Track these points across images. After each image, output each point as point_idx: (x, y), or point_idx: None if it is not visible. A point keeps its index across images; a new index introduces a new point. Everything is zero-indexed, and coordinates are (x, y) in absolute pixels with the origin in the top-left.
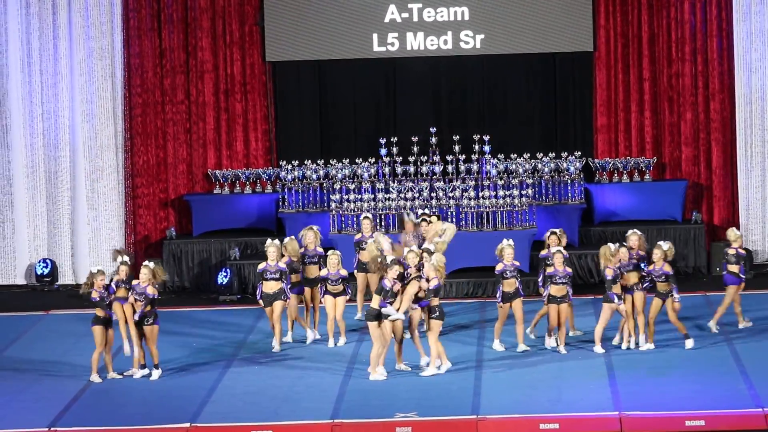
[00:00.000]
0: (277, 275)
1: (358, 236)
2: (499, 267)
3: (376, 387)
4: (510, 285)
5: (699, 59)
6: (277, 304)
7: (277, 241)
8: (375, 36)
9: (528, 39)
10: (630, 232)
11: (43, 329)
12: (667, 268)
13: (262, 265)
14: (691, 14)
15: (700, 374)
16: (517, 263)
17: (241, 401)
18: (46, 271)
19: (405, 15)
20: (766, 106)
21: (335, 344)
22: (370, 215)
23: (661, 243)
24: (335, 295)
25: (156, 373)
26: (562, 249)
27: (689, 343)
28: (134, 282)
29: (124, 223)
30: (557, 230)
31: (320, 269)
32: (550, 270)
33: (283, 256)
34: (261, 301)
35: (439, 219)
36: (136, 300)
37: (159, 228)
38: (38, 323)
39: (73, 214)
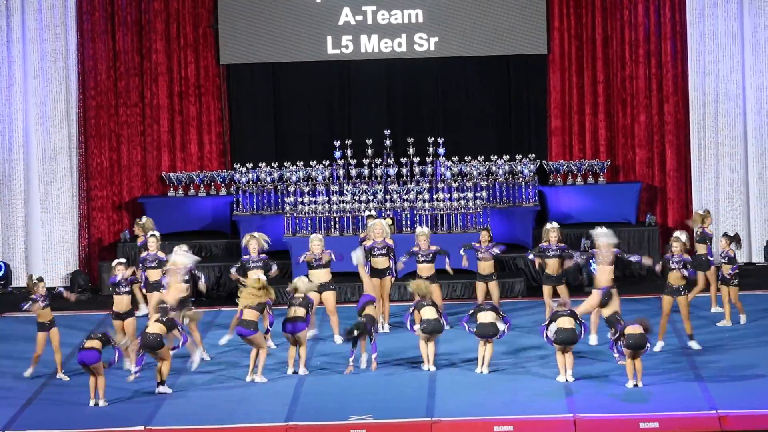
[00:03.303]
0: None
1: (143, 254)
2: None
3: (331, 390)
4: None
5: (653, 62)
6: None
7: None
8: (329, 38)
9: (482, 41)
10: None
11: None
12: (686, 255)
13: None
14: (644, 17)
15: (654, 377)
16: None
17: (195, 404)
18: (0, 273)
19: (359, 17)
20: (720, 108)
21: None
22: (157, 233)
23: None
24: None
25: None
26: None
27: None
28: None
29: (78, 225)
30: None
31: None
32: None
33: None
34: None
35: (393, 222)
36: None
37: (113, 230)
38: None
39: (27, 217)
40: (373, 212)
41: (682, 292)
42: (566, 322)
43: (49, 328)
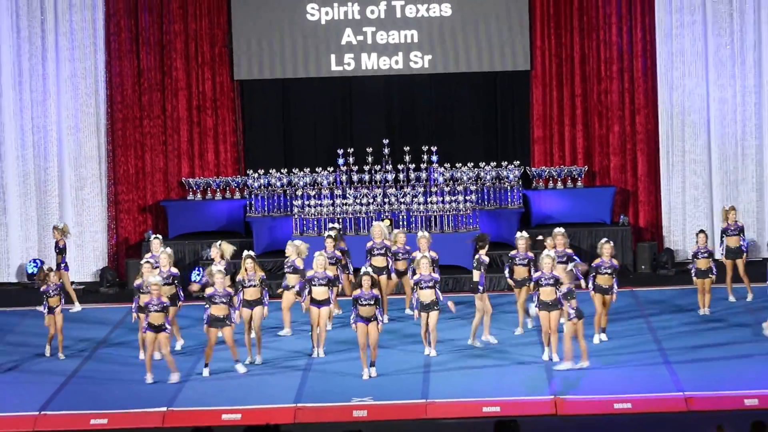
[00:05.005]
0: (170, 280)
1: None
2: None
3: (334, 374)
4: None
5: (625, 77)
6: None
7: (169, 249)
8: (333, 56)
9: (471, 59)
10: (555, 230)
11: (32, 323)
12: (615, 261)
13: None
14: (618, 36)
15: (626, 361)
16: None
17: (212, 388)
18: (36, 270)
19: (360, 38)
20: (686, 119)
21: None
22: (169, 251)
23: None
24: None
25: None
26: (551, 253)
27: (602, 337)
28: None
29: (107, 226)
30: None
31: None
32: (536, 274)
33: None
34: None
35: (391, 223)
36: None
37: (138, 231)
38: (28, 317)
39: (61, 219)
40: (336, 225)
41: (609, 292)
42: (548, 293)
43: (53, 311)
